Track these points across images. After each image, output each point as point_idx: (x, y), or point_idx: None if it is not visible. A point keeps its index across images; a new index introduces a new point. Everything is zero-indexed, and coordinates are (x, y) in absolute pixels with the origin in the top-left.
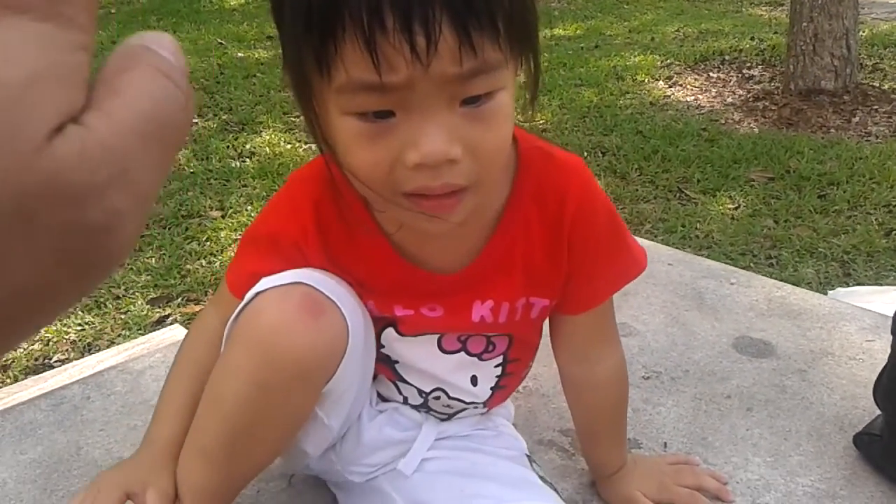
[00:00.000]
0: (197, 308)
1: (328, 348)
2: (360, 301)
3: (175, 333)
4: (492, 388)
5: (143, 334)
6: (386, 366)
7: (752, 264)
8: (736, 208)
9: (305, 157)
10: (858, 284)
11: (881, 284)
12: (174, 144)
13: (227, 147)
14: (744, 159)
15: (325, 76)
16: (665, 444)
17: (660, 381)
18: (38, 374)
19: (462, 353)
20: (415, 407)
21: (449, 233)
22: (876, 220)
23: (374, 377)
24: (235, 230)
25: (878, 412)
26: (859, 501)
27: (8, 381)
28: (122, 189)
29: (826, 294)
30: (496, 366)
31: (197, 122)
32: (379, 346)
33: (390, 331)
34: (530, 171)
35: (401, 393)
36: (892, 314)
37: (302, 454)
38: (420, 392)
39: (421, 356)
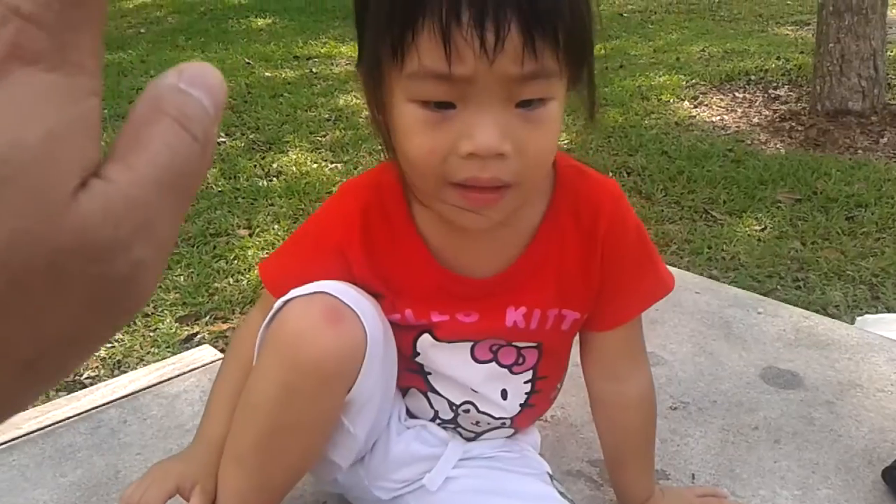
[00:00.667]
0: (225, 326)
1: (347, 353)
2: (381, 314)
3: (204, 354)
4: (521, 405)
5: (171, 352)
6: (419, 377)
7: (778, 286)
8: (762, 230)
9: (332, 177)
10: (887, 308)
11: None
12: (190, 192)
13: (255, 166)
14: (770, 180)
15: (398, 63)
16: (693, 475)
17: (687, 412)
18: (69, 391)
19: (493, 364)
20: (444, 423)
21: (487, 238)
22: None
23: (406, 392)
24: (263, 249)
25: None
26: None
27: (41, 398)
28: (145, 240)
29: (854, 319)
30: (525, 381)
31: (224, 142)
32: (414, 354)
33: (426, 336)
34: (567, 186)
35: (432, 406)
36: None
37: (331, 466)
38: (451, 405)
39: (454, 364)
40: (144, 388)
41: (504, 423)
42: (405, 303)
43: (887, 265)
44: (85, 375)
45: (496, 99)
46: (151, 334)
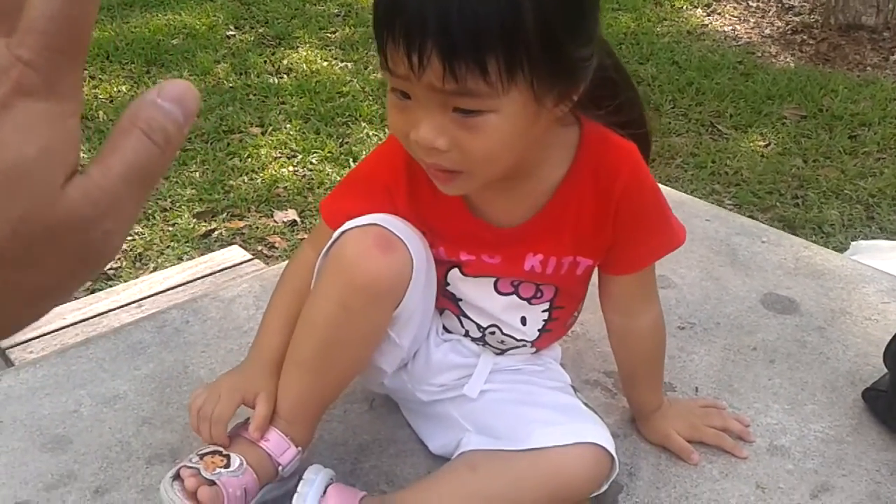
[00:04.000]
0: (241, 224)
1: (396, 276)
2: (425, 243)
3: (234, 255)
4: (539, 330)
5: (190, 247)
6: (452, 302)
7: (777, 203)
8: (766, 146)
9: (342, 76)
10: (881, 228)
11: None
12: (151, 184)
13: (265, 62)
14: (778, 95)
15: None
16: (696, 388)
17: (693, 332)
18: (93, 281)
19: (514, 296)
20: (475, 340)
21: (513, 193)
22: None
23: (442, 312)
24: (275, 148)
25: (886, 371)
26: (862, 447)
27: (84, 290)
28: (113, 216)
29: (848, 239)
30: (543, 311)
31: (234, 35)
32: (445, 283)
33: (455, 271)
34: (590, 151)
35: (463, 326)
36: None
37: (378, 371)
38: (479, 327)
39: (479, 295)
40: (180, 284)
41: (525, 344)
42: (439, 241)
43: (884, 186)
44: (108, 267)
45: (433, 104)
46: (170, 229)
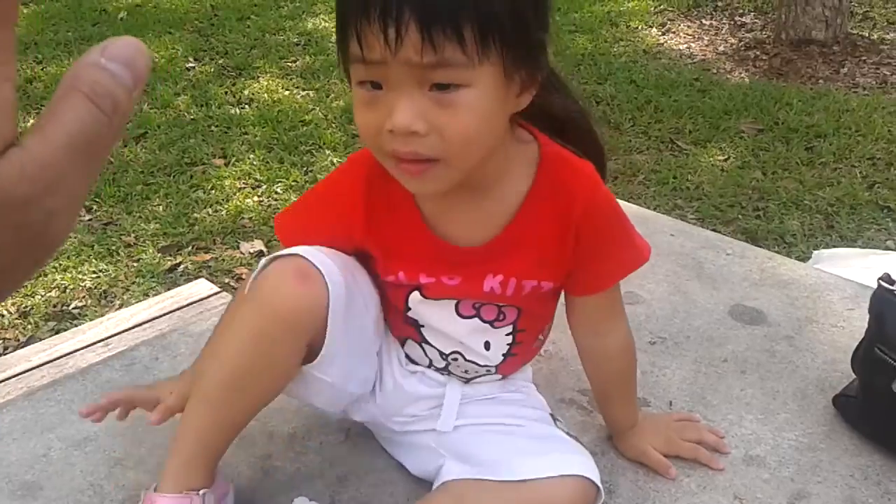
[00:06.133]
0: (207, 256)
1: (310, 308)
2: (352, 276)
3: (200, 288)
4: (503, 355)
5: (156, 282)
6: (413, 329)
7: (739, 216)
8: (726, 160)
9: (304, 104)
10: (840, 236)
11: (862, 237)
12: (99, 156)
13: (226, 93)
14: (734, 110)
15: (345, 52)
16: (671, 402)
17: (664, 346)
18: (57, 320)
19: (476, 319)
20: (439, 370)
21: (474, 212)
22: (860, 172)
23: (404, 342)
24: (239, 178)
25: (855, 376)
26: (835, 453)
27: (29, 326)
28: (57, 193)
29: (810, 248)
30: (507, 334)
31: (194, 67)
32: (406, 309)
33: (416, 294)
34: (548, 170)
35: (426, 355)
36: (869, 281)
37: (349, 406)
38: (441, 354)
39: (441, 319)
40: (146, 321)
41: (490, 370)
42: (397, 265)
43: (842, 195)
44: (73, 306)
45: (410, 82)
46: (135, 264)
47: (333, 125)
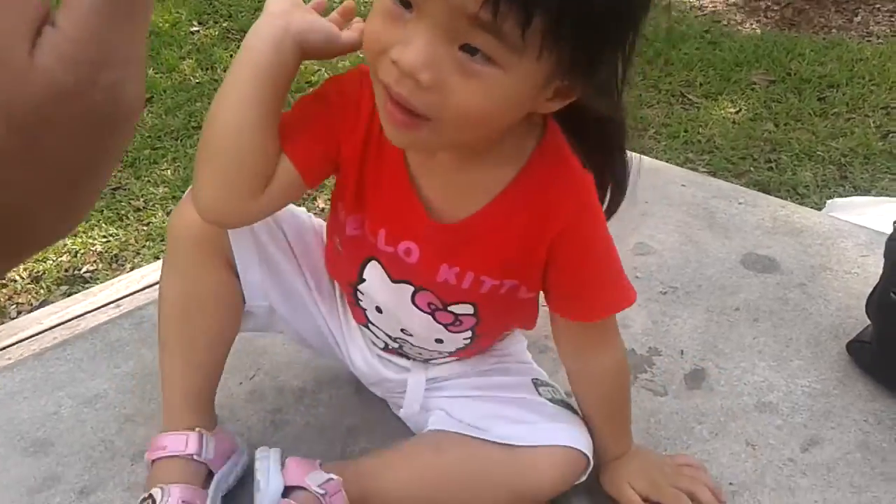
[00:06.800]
0: None
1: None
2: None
3: None
4: (458, 348)
5: (165, 245)
6: (358, 309)
7: (752, 168)
8: (737, 112)
9: (309, 65)
10: (854, 187)
11: (876, 187)
12: (141, 14)
13: (231, 56)
14: (745, 62)
15: None
16: (682, 351)
17: (676, 296)
18: (69, 284)
19: (430, 318)
20: (394, 349)
21: (454, 183)
22: (873, 122)
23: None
24: None
25: (869, 322)
26: (849, 399)
27: (41, 291)
28: (108, 65)
29: (823, 199)
30: (464, 339)
31: (198, 30)
32: (360, 280)
33: (375, 267)
34: (542, 162)
35: (377, 337)
36: (884, 228)
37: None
38: (388, 337)
39: (394, 301)
40: (157, 282)
41: (442, 354)
42: (365, 211)
43: (856, 145)
44: (84, 269)
45: (443, 28)
46: (145, 228)
47: None
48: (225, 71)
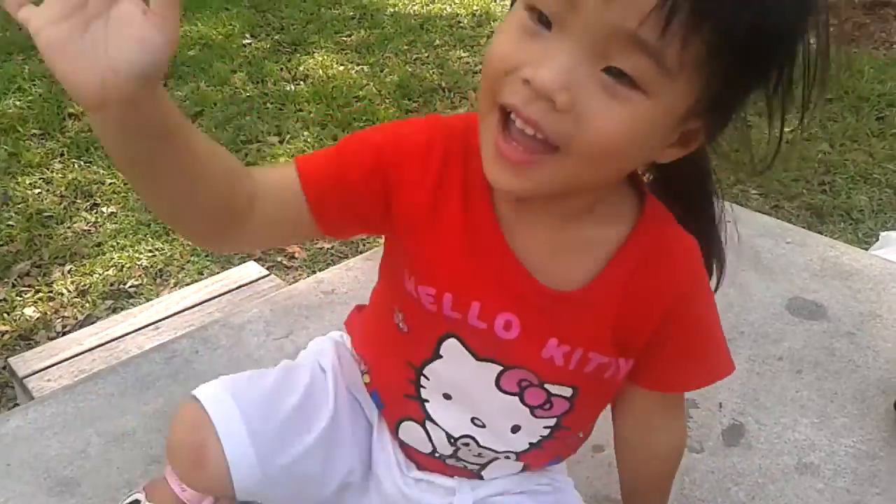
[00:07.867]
0: None
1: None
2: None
3: (251, 271)
4: (531, 444)
5: (209, 260)
6: (416, 403)
7: (804, 190)
8: (791, 131)
9: (358, 80)
10: None
11: None
12: None
13: (281, 69)
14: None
15: None
16: (720, 404)
17: None
18: (114, 298)
19: (517, 399)
20: (445, 457)
21: (564, 241)
22: None
23: (399, 424)
24: (293, 156)
25: None
26: None
27: (87, 305)
28: None
29: (878, 228)
30: (546, 427)
31: (250, 43)
32: (436, 356)
33: (454, 344)
34: (651, 224)
35: (430, 439)
36: None
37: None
38: (449, 437)
39: (474, 384)
40: (195, 304)
41: (508, 457)
42: (446, 282)
43: None
44: (129, 284)
45: (589, 47)
46: (190, 243)
47: (387, 101)
48: (275, 85)
